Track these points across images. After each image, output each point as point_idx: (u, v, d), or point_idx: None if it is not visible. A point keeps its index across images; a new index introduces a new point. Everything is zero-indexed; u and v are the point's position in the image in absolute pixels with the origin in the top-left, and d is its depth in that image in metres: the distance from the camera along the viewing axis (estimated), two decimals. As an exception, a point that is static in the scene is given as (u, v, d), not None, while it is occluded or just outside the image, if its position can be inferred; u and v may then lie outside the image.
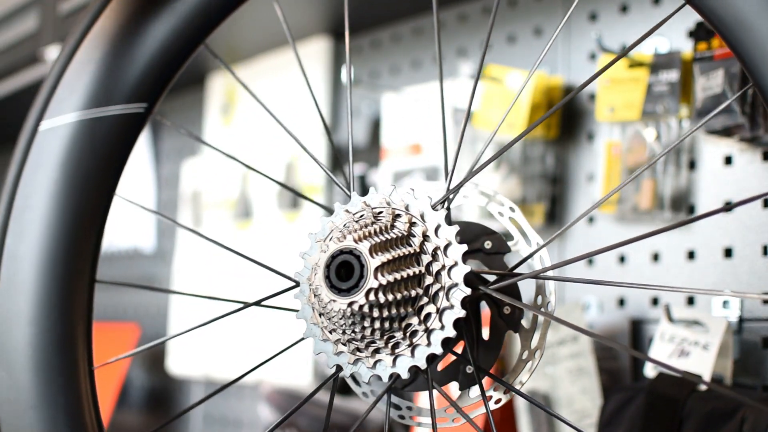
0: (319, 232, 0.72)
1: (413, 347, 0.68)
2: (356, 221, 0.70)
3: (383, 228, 0.68)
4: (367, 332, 0.67)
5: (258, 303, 0.81)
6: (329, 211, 0.79)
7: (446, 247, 0.68)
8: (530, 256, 0.74)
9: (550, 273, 0.72)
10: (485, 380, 0.74)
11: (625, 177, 1.16)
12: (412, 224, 0.69)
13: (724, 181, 1.09)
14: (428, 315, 0.68)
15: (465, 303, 0.68)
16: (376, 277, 0.65)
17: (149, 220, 2.08)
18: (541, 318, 0.74)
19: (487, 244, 0.74)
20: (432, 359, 0.69)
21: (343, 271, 0.67)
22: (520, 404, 1.18)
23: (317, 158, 0.82)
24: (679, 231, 1.13)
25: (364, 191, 1.03)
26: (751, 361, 1.03)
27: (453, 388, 0.77)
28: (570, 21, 1.28)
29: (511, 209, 0.77)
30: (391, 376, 0.69)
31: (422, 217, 0.69)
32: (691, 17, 1.13)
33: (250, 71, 1.79)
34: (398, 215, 0.70)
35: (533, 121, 1.22)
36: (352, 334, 0.68)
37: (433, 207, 0.70)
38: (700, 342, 1.02)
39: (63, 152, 0.80)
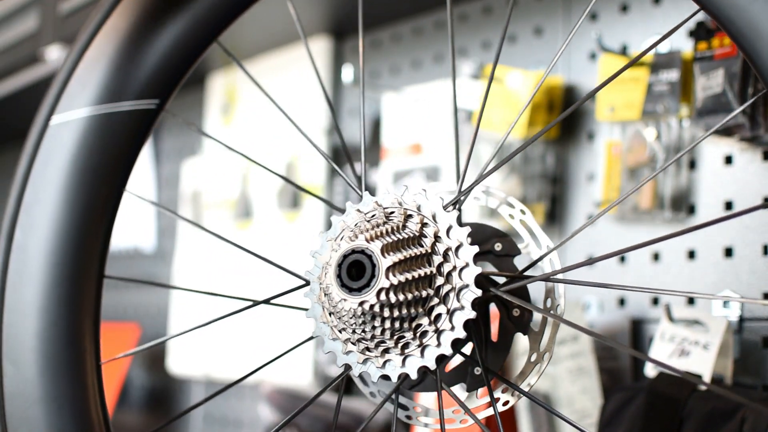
0: (330, 231, 0.73)
1: (423, 347, 0.68)
2: (368, 221, 0.70)
3: (395, 228, 0.68)
4: (377, 332, 0.68)
5: (267, 301, 0.81)
6: (335, 208, 0.80)
7: (457, 248, 0.68)
8: (540, 258, 0.74)
9: (559, 276, 0.73)
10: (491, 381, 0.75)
11: (625, 177, 1.16)
12: (423, 225, 0.69)
13: (724, 181, 1.10)
14: (439, 316, 0.68)
15: (475, 304, 0.68)
16: (387, 277, 0.66)
17: (150, 220, 2.08)
18: (549, 320, 0.74)
19: (498, 246, 0.75)
20: (441, 360, 0.69)
21: (354, 271, 0.67)
22: (521, 403, 1.18)
23: (327, 156, 0.83)
24: (680, 231, 1.13)
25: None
26: (751, 360, 1.03)
27: (456, 389, 0.77)
28: (570, 21, 1.28)
29: (522, 212, 0.77)
30: (399, 376, 0.69)
31: (434, 217, 0.70)
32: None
33: (251, 71, 1.79)
34: (410, 216, 0.70)
35: (533, 121, 1.23)
36: (362, 334, 0.68)
37: (445, 208, 0.70)
38: (700, 342, 1.02)
39: (74, 147, 0.80)
